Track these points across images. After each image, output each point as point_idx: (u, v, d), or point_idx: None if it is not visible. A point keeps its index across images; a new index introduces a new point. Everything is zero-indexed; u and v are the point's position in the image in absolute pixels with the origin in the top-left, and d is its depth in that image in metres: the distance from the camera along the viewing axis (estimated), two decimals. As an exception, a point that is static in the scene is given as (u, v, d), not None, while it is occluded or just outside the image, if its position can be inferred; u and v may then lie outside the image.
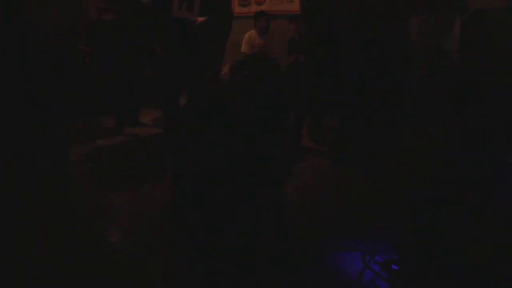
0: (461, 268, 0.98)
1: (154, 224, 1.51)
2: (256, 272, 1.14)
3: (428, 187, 1.54)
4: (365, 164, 2.28)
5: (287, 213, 1.58)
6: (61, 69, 3.58)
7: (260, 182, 1.38)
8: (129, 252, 1.31)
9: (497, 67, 2.72)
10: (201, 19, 2.45)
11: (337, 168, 2.21)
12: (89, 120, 3.34)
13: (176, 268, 1.23)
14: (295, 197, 1.77)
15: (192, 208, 1.43)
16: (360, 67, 2.31)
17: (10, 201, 1.62)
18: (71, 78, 3.69)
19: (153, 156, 2.33)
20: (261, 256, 1.23)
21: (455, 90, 2.63)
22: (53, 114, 2.06)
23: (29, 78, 1.84)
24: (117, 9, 2.59)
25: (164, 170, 2.00)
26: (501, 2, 2.82)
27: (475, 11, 3.03)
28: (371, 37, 2.30)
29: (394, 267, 1.08)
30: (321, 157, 2.42)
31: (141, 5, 2.58)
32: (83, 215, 1.61)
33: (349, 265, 1.19)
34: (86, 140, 2.69)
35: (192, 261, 1.21)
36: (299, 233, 1.44)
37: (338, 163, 2.25)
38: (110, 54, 2.65)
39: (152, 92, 3.85)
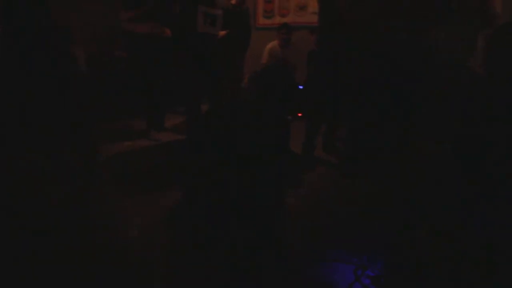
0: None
1: (162, 227, 1.64)
2: (252, 278, 1.23)
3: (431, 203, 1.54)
4: (374, 178, 2.29)
5: (289, 222, 1.65)
6: (100, 72, 3.92)
7: (264, 192, 1.45)
8: (134, 252, 1.44)
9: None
10: (222, 33, 2.62)
11: (346, 181, 2.25)
12: (118, 122, 3.62)
13: (177, 268, 1.33)
14: (299, 206, 1.84)
15: (198, 212, 1.54)
16: (374, 80, 2.33)
17: (36, 195, 1.81)
18: (107, 82, 4.02)
19: (173, 161, 2.49)
20: (259, 262, 1.32)
21: (481, 107, 2.54)
22: (86, 115, 2.26)
23: (64, 79, 2.03)
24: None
25: (181, 174, 2.14)
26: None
27: (505, 25, 2.91)
28: (385, 50, 2.32)
29: (382, 281, 1.13)
30: (331, 168, 2.46)
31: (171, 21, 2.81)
32: (96, 213, 1.76)
33: (341, 277, 1.24)
34: (114, 142, 2.94)
35: (192, 262, 1.31)
36: (299, 242, 1.51)
37: (347, 176, 2.28)
38: (143, 61, 2.88)
39: (176, 99, 4.08)
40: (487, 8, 2.51)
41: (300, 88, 3.83)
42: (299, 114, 3.96)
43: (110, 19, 5.42)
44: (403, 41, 2.47)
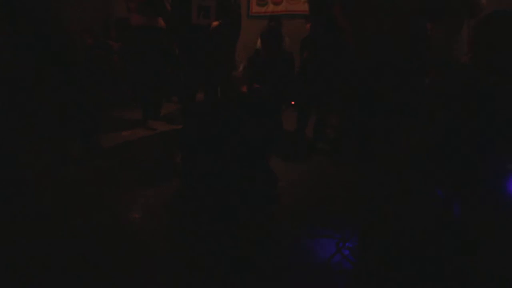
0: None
1: (159, 216, 1.71)
2: (243, 253, 1.35)
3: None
4: (361, 164, 2.41)
5: (278, 204, 1.78)
6: (93, 63, 3.96)
7: (255, 176, 1.56)
8: (132, 238, 1.52)
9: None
10: (215, 23, 2.68)
11: (335, 165, 2.36)
12: (114, 111, 3.69)
13: (173, 256, 1.42)
14: (289, 191, 1.96)
15: (193, 203, 1.65)
16: (361, 68, 2.40)
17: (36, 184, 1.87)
18: (100, 73, 4.06)
19: (168, 151, 2.58)
20: (250, 239, 1.44)
21: (464, 94, 2.64)
22: (84, 105, 2.33)
23: (62, 70, 2.09)
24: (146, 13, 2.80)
25: (177, 165, 2.20)
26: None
27: (489, 14, 2.99)
28: (374, 40, 2.38)
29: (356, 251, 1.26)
30: (321, 155, 2.57)
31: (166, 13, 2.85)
32: (95, 202, 1.82)
33: (325, 249, 1.38)
34: (111, 132, 3.00)
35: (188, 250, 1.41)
36: (288, 221, 1.64)
37: (336, 161, 2.40)
38: (136, 52, 2.94)
39: (172, 88, 4.15)
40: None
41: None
42: (292, 103, 4.06)
43: (104, 9, 5.41)
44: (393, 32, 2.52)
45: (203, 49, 2.76)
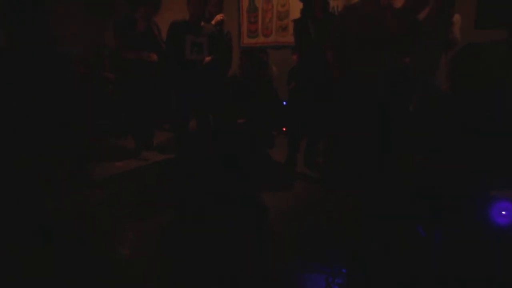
0: None
1: (154, 245, 1.75)
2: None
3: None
4: (351, 190, 2.46)
5: (268, 234, 1.80)
6: (88, 93, 4.03)
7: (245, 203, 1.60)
8: (126, 269, 1.52)
9: (491, 100, 2.87)
10: (208, 58, 2.79)
11: (325, 194, 2.40)
12: (108, 142, 3.72)
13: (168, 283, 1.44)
14: (280, 221, 1.98)
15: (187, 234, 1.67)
16: (350, 96, 2.51)
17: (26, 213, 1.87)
18: (96, 102, 4.13)
19: (163, 180, 2.60)
20: (241, 272, 1.45)
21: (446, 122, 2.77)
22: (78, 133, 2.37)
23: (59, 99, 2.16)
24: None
25: (172, 193, 2.23)
26: (483, 36, 2.99)
27: (467, 45, 3.20)
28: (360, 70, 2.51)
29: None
30: (311, 183, 2.61)
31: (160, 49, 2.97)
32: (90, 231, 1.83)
33: (315, 284, 1.40)
34: (104, 162, 3.02)
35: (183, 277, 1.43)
36: (279, 254, 1.66)
37: (326, 188, 2.44)
38: (129, 84, 3.03)
39: (164, 118, 4.22)
40: (449, 33, 2.79)
41: (283, 104, 4.03)
42: (284, 129, 4.15)
43: (98, 41, 5.57)
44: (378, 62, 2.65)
45: (195, 79, 2.85)
